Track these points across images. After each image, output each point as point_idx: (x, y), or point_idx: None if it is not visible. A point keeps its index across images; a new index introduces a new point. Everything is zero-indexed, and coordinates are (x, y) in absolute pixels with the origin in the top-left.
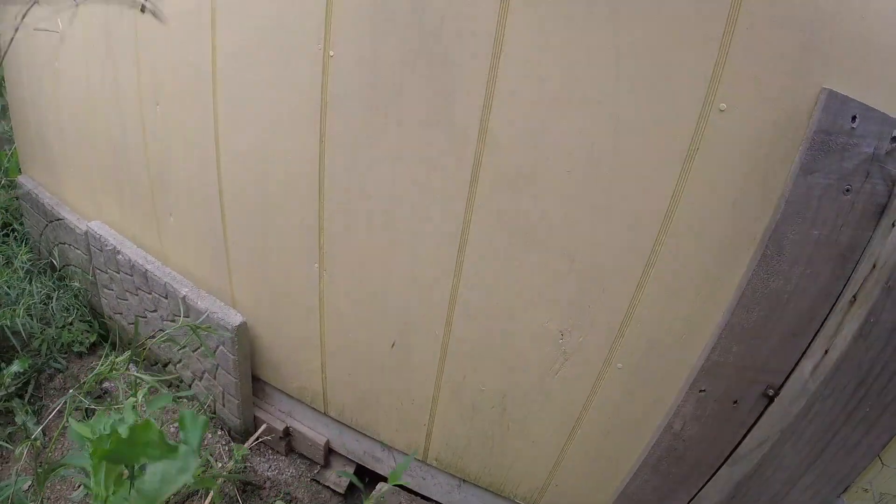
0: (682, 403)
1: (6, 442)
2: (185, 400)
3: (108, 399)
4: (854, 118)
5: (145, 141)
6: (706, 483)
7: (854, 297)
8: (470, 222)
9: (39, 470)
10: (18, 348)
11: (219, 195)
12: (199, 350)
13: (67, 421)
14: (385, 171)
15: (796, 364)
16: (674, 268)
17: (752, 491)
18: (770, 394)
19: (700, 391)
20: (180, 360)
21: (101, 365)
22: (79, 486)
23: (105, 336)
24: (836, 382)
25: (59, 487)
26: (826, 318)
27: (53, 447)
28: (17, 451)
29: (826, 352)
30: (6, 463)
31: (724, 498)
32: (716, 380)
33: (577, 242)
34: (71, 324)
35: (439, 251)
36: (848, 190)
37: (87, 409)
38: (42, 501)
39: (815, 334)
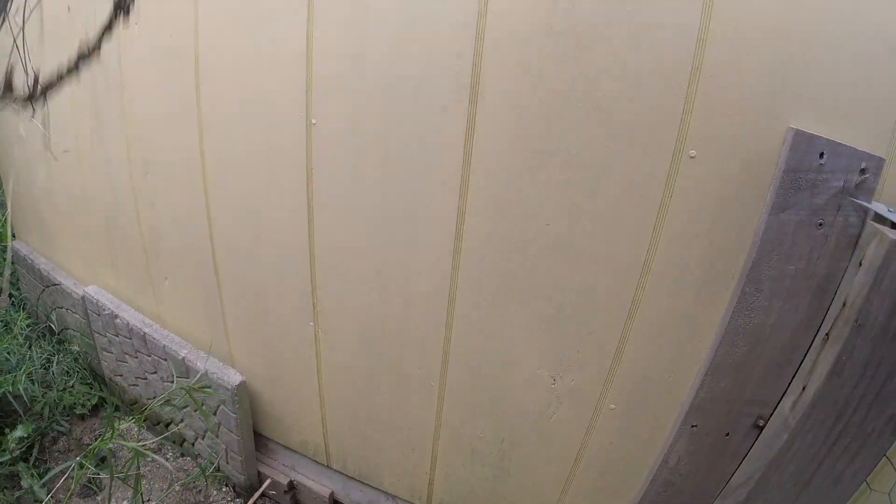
0: (675, 439)
1: None
2: (189, 458)
3: (114, 460)
4: (822, 154)
5: (137, 209)
6: None
7: (827, 335)
8: (458, 279)
9: None
10: (21, 413)
11: (212, 259)
12: (200, 410)
13: (74, 489)
14: (373, 231)
15: (785, 392)
16: (657, 309)
17: None
18: (760, 424)
19: (692, 426)
20: (182, 420)
21: (103, 430)
22: None
23: (105, 398)
24: (815, 417)
25: None
26: (809, 348)
27: None
28: None
29: (804, 388)
30: None
31: None
32: (706, 414)
33: (563, 291)
34: (72, 387)
35: (430, 305)
36: (821, 224)
37: (90, 477)
38: None
39: (800, 364)
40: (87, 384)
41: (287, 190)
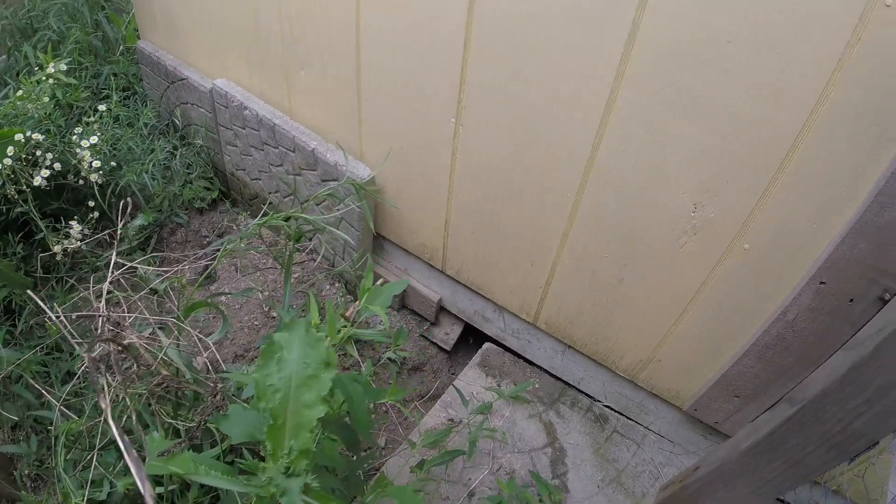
0: (800, 293)
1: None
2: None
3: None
4: None
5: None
6: (814, 370)
7: None
8: (619, 88)
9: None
10: (143, 203)
11: (356, 46)
12: (323, 203)
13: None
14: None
15: None
16: (816, 156)
17: (863, 377)
18: (886, 298)
19: (820, 283)
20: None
21: (222, 223)
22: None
23: (226, 193)
24: None
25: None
26: None
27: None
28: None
29: None
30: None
31: (834, 382)
32: (838, 274)
33: (729, 118)
34: (192, 181)
35: (581, 113)
36: None
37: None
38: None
39: None
40: (207, 179)
41: None
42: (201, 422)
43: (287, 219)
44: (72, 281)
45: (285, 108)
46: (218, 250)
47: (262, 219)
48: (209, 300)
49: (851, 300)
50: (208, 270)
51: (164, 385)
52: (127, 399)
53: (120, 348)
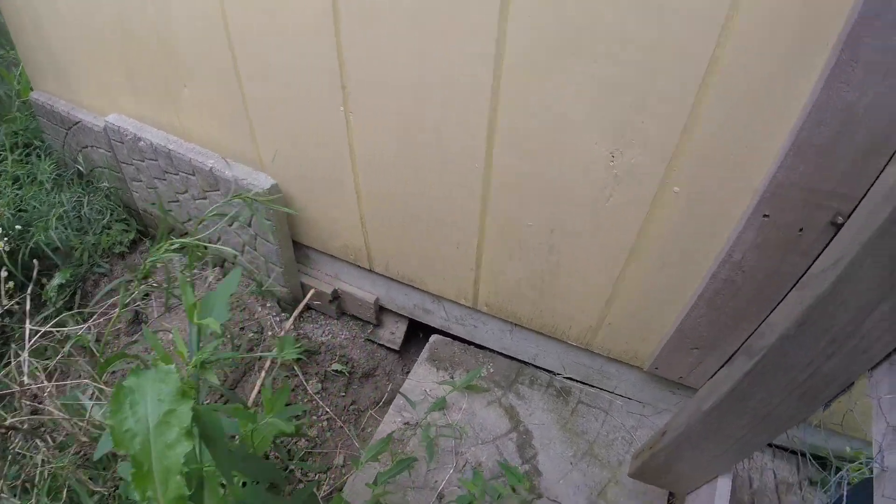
0: (743, 230)
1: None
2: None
3: (153, 282)
4: None
5: (146, 9)
6: (769, 314)
7: None
8: (506, 33)
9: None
10: (57, 261)
11: (230, 50)
12: (235, 224)
13: (122, 312)
14: None
15: (870, 187)
16: (736, 75)
17: (824, 317)
18: (838, 222)
19: (763, 216)
20: (219, 238)
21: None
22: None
23: (144, 232)
24: None
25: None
26: None
27: (107, 348)
28: (66, 350)
29: None
30: (66, 376)
31: (792, 325)
32: (781, 203)
33: (629, 48)
34: (108, 226)
35: (472, 72)
36: None
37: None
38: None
39: (893, 155)
40: (122, 221)
41: None
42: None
43: (183, 247)
44: None
45: (178, 130)
46: (147, 294)
47: (154, 256)
48: (126, 352)
49: (801, 230)
50: (110, 323)
51: (82, 453)
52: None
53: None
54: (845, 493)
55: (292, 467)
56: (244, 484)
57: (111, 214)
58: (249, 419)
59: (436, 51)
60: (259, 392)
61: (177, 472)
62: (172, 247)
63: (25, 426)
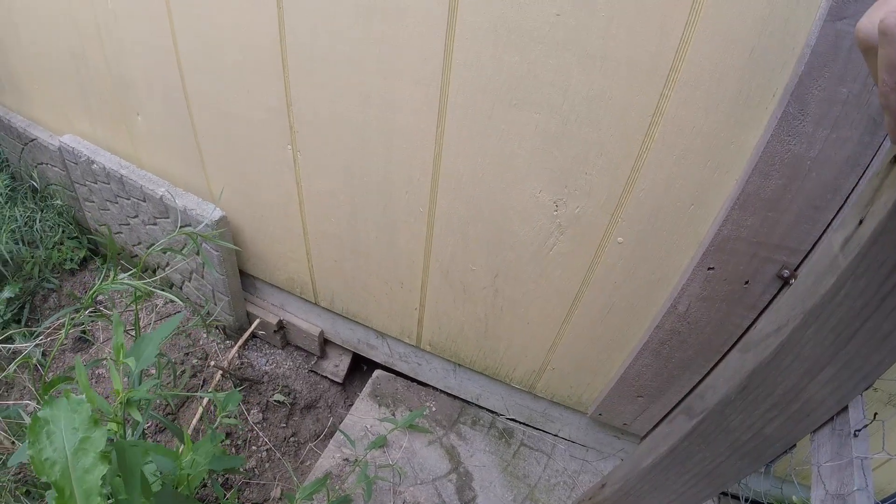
0: (688, 282)
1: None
2: (178, 302)
3: (102, 308)
4: None
5: (101, 39)
6: (711, 370)
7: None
8: (448, 82)
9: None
10: (7, 275)
11: (181, 83)
12: (184, 250)
13: (65, 339)
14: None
15: (817, 241)
16: (682, 128)
17: (767, 382)
18: (785, 275)
19: (708, 269)
20: (167, 264)
21: (95, 282)
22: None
23: (95, 251)
24: (871, 259)
25: None
26: (851, 192)
27: (53, 365)
28: (10, 371)
29: (861, 222)
30: (11, 388)
31: (734, 388)
32: (726, 256)
33: (570, 98)
34: (60, 242)
35: (416, 118)
36: None
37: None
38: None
39: (840, 209)
40: (73, 238)
41: None
42: None
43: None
44: None
45: (132, 157)
46: (95, 310)
47: (98, 287)
48: (69, 375)
49: (747, 282)
50: (57, 344)
51: (22, 475)
52: None
53: None
54: None
55: (225, 502)
56: None
57: (63, 231)
58: (172, 457)
59: (379, 95)
60: (200, 419)
61: (97, 494)
62: (117, 281)
63: None
